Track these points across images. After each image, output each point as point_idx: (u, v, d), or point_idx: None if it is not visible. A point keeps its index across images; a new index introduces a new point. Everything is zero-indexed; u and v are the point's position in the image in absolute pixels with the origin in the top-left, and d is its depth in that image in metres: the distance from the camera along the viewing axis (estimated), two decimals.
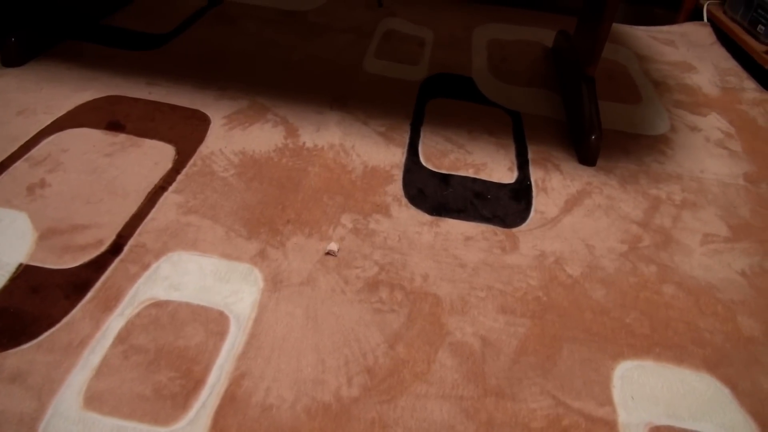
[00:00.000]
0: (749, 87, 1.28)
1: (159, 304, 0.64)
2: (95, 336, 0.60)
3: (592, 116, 1.00)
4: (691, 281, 0.77)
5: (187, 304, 0.64)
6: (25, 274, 0.66)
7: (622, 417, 0.59)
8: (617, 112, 1.14)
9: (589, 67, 1.07)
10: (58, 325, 0.61)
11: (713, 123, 1.13)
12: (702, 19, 1.57)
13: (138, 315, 0.63)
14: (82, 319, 0.62)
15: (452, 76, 1.19)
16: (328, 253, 0.72)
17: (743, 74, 1.33)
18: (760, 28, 1.32)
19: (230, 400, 0.56)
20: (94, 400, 0.54)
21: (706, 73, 1.32)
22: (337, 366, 0.60)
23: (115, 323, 0.62)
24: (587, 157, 0.97)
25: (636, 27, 1.54)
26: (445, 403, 0.58)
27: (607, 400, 0.60)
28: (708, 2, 1.57)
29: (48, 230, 0.71)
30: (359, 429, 0.55)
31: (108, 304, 0.64)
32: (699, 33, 1.52)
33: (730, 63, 1.38)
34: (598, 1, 1.04)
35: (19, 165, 0.81)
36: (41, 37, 1.08)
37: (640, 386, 0.62)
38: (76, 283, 0.65)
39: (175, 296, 0.65)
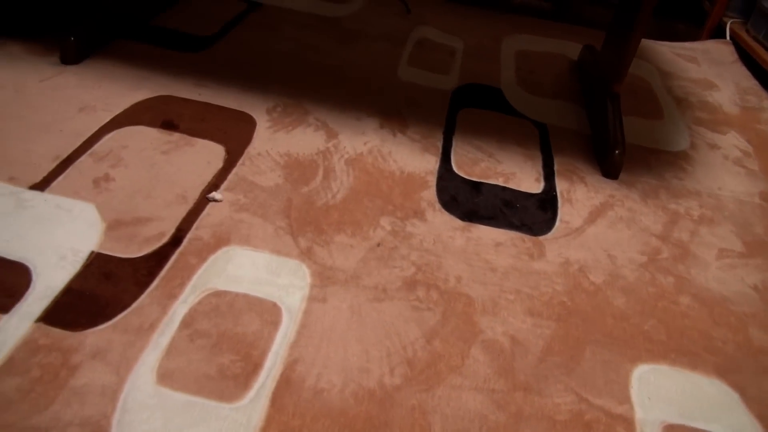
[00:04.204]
0: None
1: (218, 294, 0.71)
2: (163, 320, 0.67)
3: (617, 131, 1.05)
4: (706, 293, 0.82)
5: (244, 295, 0.71)
6: (97, 261, 0.72)
7: (639, 415, 0.64)
8: (640, 127, 1.19)
9: (615, 83, 1.12)
10: (129, 309, 0.67)
11: (732, 141, 1.18)
12: (725, 37, 1.60)
13: (200, 303, 0.69)
14: (150, 305, 0.68)
15: (482, 86, 1.24)
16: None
17: (763, 94, 1.37)
18: None
19: (286, 383, 0.62)
20: (165, 377, 0.61)
21: (727, 92, 1.36)
22: (380, 356, 0.66)
23: (179, 309, 0.68)
24: (610, 171, 1.02)
25: (659, 42, 1.58)
26: (478, 395, 0.64)
27: (626, 399, 0.66)
28: (731, 21, 1.60)
29: (114, 221, 0.78)
30: (402, 414, 0.61)
31: (172, 292, 0.70)
32: (721, 51, 1.56)
33: (750, 82, 1.42)
34: (628, 17, 1.08)
35: (84, 159, 0.88)
36: (95, 37, 1.15)
37: (656, 388, 0.68)
38: (143, 271, 0.72)
39: (232, 287, 0.72)
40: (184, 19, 1.32)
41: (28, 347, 0.62)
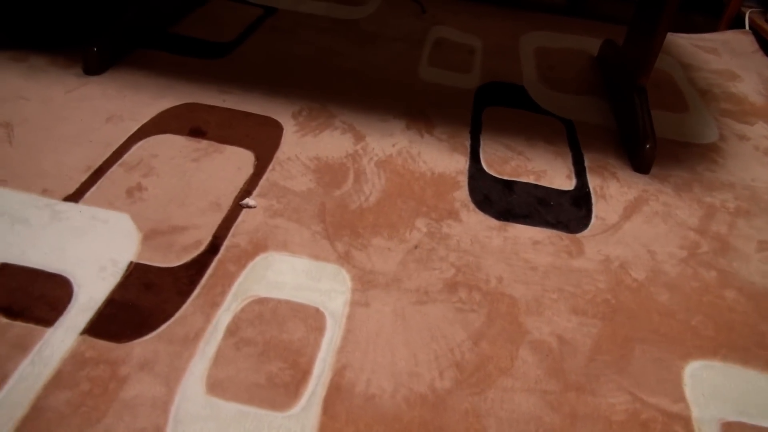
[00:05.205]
0: None
1: (260, 301, 0.70)
2: (207, 329, 0.66)
3: (646, 125, 1.04)
4: (751, 287, 0.80)
5: (286, 302, 0.70)
6: (136, 271, 0.72)
7: (696, 413, 0.63)
8: (666, 120, 1.17)
9: (641, 77, 1.11)
10: (172, 319, 0.67)
11: (761, 132, 1.16)
12: (744, 27, 1.59)
13: (243, 310, 0.68)
14: (194, 314, 0.67)
15: (505, 84, 1.23)
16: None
17: None
18: None
19: (336, 390, 0.61)
20: (215, 387, 0.60)
21: (750, 82, 1.35)
22: (428, 360, 0.65)
23: (223, 318, 0.67)
24: (642, 166, 1.01)
25: (678, 35, 1.57)
26: (531, 397, 0.63)
27: (680, 397, 0.65)
28: (750, 10, 1.59)
29: (151, 231, 0.77)
30: (456, 418, 0.60)
31: (214, 300, 0.69)
32: (741, 41, 1.54)
33: None
34: (652, 11, 1.07)
35: (116, 169, 0.87)
36: (117, 47, 1.14)
37: (710, 385, 0.66)
38: (183, 280, 0.71)
39: (274, 294, 0.71)
40: (201, 26, 1.32)
41: (75, 360, 0.61)
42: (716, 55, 1.47)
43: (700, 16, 1.73)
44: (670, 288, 0.78)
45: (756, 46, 1.51)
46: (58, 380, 0.59)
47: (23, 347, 0.62)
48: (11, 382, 0.58)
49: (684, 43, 1.53)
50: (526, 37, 1.46)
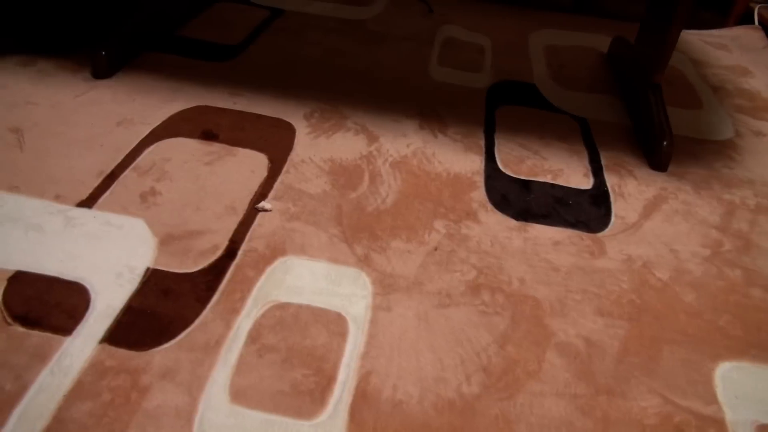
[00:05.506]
0: None
1: (281, 306, 0.68)
2: (228, 336, 0.64)
3: (662, 123, 1.03)
4: None
5: (307, 307, 0.69)
6: (153, 277, 0.71)
7: (729, 415, 0.62)
8: (680, 117, 1.16)
9: (655, 74, 1.09)
10: (192, 326, 0.65)
11: None
12: (753, 23, 1.58)
13: (263, 316, 0.67)
14: (214, 320, 0.66)
15: (516, 83, 1.22)
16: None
17: None
18: None
19: (362, 396, 0.60)
20: (239, 395, 0.59)
21: (763, 78, 1.33)
22: (454, 365, 0.64)
23: (244, 324, 0.66)
24: (659, 163, 1.00)
25: (686, 31, 1.55)
26: (561, 401, 0.62)
27: (713, 399, 0.63)
28: (759, 6, 1.58)
29: (166, 236, 0.76)
30: (485, 424, 0.59)
31: (234, 306, 0.68)
32: (751, 37, 1.53)
33: None
34: (666, 8, 1.06)
35: (128, 174, 0.86)
36: (125, 50, 1.13)
37: (742, 386, 0.65)
38: (201, 286, 0.70)
39: (294, 299, 0.69)
40: (208, 28, 1.30)
41: (95, 370, 0.60)
42: (726, 51, 1.46)
43: (707, 12, 1.72)
44: (695, 287, 0.77)
45: (766, 41, 1.50)
46: (78, 391, 0.58)
47: (42, 357, 0.60)
48: (31, 392, 0.57)
49: (693, 39, 1.52)
50: (534, 35, 1.45)
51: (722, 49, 1.47)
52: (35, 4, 1.14)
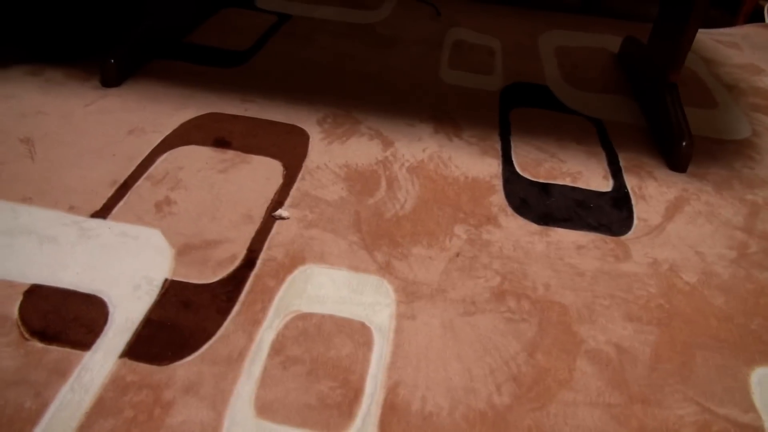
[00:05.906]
0: None
1: (303, 317, 0.67)
2: (251, 348, 0.63)
3: (680, 123, 1.01)
4: None
5: (330, 316, 0.67)
6: (172, 288, 0.69)
7: None
8: (696, 117, 1.15)
9: (671, 74, 1.08)
10: (214, 338, 0.64)
11: None
12: (763, 21, 1.57)
13: (286, 327, 0.66)
14: (235, 332, 0.64)
15: (529, 85, 1.21)
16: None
17: None
18: None
19: (391, 409, 0.58)
20: (265, 409, 0.57)
21: None
22: (483, 374, 0.63)
23: (266, 335, 0.64)
24: (679, 164, 0.98)
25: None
26: (595, 410, 0.60)
27: (750, 407, 0.62)
28: None
29: (183, 246, 0.75)
30: None
31: (255, 317, 0.66)
32: (761, 35, 1.52)
33: None
34: (682, 7, 1.05)
35: (142, 183, 0.84)
36: (134, 58, 1.12)
37: None
38: (222, 297, 0.68)
39: (316, 308, 0.68)
40: (216, 34, 1.29)
41: (116, 385, 0.58)
42: (738, 49, 1.45)
43: (715, 11, 1.71)
44: (724, 291, 0.75)
45: None
46: (100, 407, 0.56)
47: (61, 373, 0.59)
48: (52, 409, 0.55)
49: (704, 38, 1.51)
50: (544, 36, 1.44)
51: (733, 48, 1.46)
52: (42, 12, 1.13)
